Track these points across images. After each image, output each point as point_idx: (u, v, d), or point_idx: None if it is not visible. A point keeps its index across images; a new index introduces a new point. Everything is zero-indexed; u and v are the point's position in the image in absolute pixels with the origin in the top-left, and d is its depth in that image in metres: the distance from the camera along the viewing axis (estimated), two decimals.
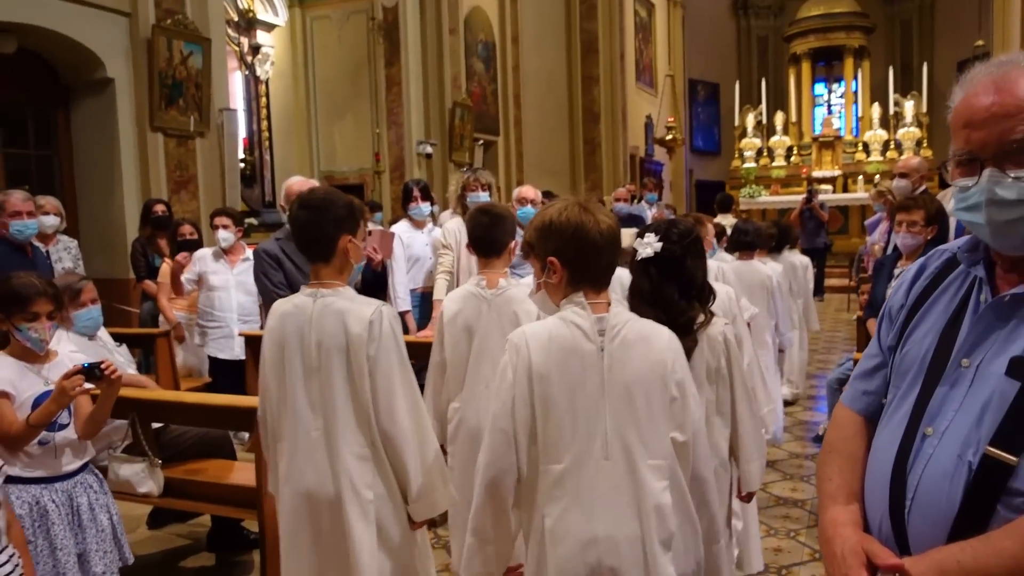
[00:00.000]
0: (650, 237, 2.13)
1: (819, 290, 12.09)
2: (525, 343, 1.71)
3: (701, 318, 2.16)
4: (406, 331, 4.59)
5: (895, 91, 16.50)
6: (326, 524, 2.18)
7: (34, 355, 2.55)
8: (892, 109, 16.36)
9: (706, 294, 2.23)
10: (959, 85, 1.27)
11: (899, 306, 1.36)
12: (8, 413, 2.40)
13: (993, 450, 1.10)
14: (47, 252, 4.89)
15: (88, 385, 2.47)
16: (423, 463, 2.18)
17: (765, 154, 17.16)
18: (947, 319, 1.26)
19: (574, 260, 1.72)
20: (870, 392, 1.38)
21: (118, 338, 3.75)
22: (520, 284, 2.93)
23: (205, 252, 5.15)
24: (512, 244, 2.91)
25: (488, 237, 2.83)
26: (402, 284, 4.82)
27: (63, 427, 2.53)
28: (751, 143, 17.21)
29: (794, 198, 14.55)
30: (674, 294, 2.10)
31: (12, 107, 6.46)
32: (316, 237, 2.17)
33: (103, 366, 2.45)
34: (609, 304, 1.75)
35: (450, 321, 2.80)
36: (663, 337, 1.75)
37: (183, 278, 5.08)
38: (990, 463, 1.10)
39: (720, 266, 4.63)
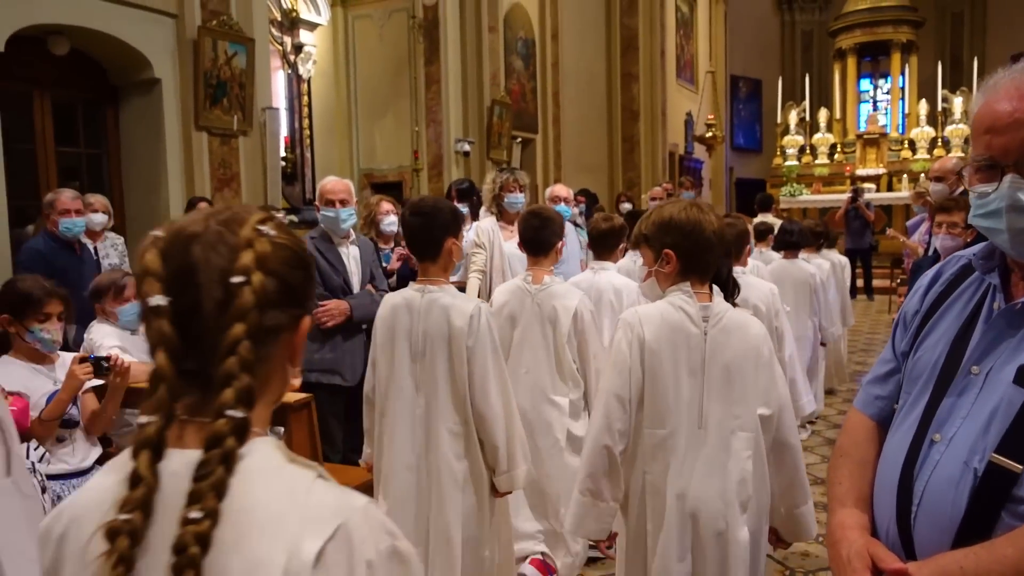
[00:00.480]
0: None
1: (868, 290, 11.88)
2: (638, 321, 1.97)
3: None
4: None
5: (944, 87, 16.08)
6: (423, 490, 2.43)
7: (41, 356, 2.59)
8: (940, 106, 15.96)
9: (730, 288, 2.41)
10: (981, 90, 1.27)
11: (913, 312, 1.37)
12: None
13: (998, 457, 1.11)
14: (95, 249, 5.06)
15: (96, 381, 2.56)
16: (509, 440, 2.44)
17: (808, 152, 16.89)
18: (959, 326, 1.26)
19: (688, 254, 1.97)
20: (882, 397, 1.38)
21: None
22: (562, 282, 3.18)
23: None
24: (559, 244, 3.16)
25: (538, 238, 3.10)
26: None
27: (77, 423, 2.61)
28: (793, 140, 16.94)
29: (836, 197, 14.31)
30: None
31: (64, 106, 6.68)
32: (426, 239, 2.47)
33: (110, 361, 2.54)
34: (711, 295, 2.01)
35: (497, 311, 3.08)
36: (755, 326, 2.03)
37: None
38: (995, 470, 1.11)
39: (756, 264, 4.69)
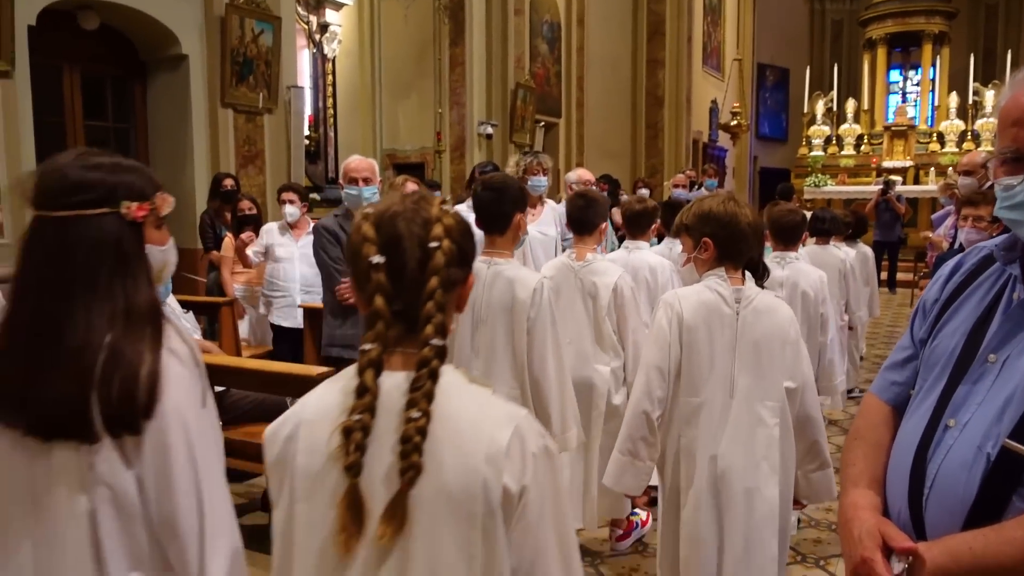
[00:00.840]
0: None
1: (891, 284, 11.77)
2: (678, 301, 2.21)
3: None
4: None
5: (975, 79, 15.81)
6: None
7: None
8: (971, 99, 15.69)
9: (761, 272, 2.59)
10: (1009, 84, 1.27)
11: (933, 300, 1.38)
12: None
13: (1012, 443, 1.12)
14: None
15: None
16: (562, 406, 2.59)
17: (834, 142, 16.70)
18: (978, 315, 1.28)
19: (724, 243, 2.19)
20: (899, 383, 1.40)
21: (185, 306, 3.92)
22: (603, 260, 3.39)
23: (272, 226, 5.34)
24: (603, 225, 3.34)
25: (583, 218, 3.29)
26: None
27: None
28: (820, 130, 16.72)
29: (862, 189, 14.16)
30: None
31: (93, 81, 6.75)
32: (497, 214, 2.62)
33: None
34: (743, 279, 2.22)
35: None
36: (784, 309, 2.25)
37: (250, 251, 5.30)
38: (1008, 455, 1.13)
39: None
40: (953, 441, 1.20)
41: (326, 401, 1.14)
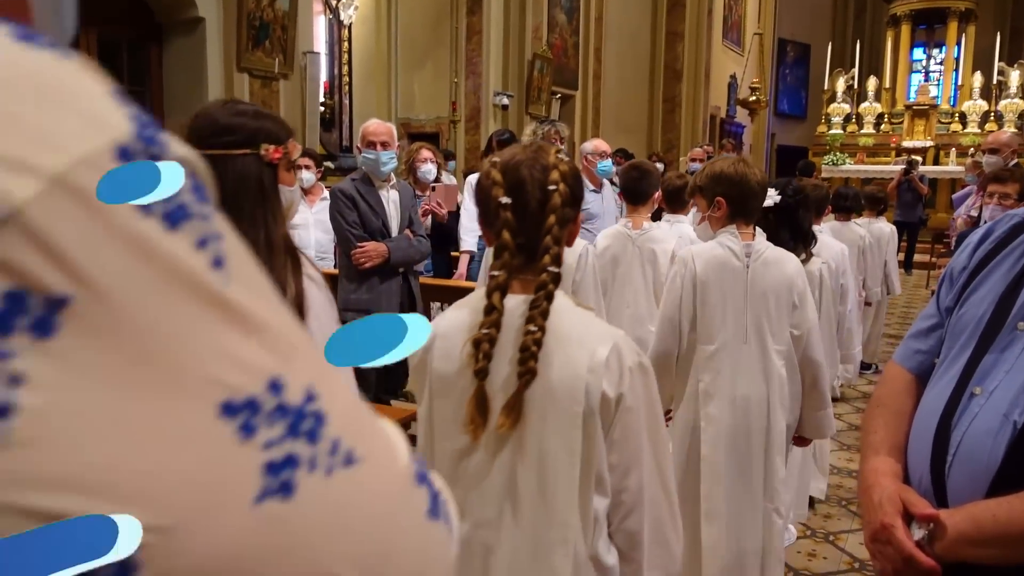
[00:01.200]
0: (771, 191, 2.65)
1: (907, 264, 11.66)
2: (691, 258, 2.38)
3: (803, 256, 2.73)
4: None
5: (1000, 59, 15.51)
6: None
7: None
8: (996, 78, 15.41)
9: (809, 239, 2.78)
10: None
11: (961, 268, 1.35)
12: None
13: None
14: None
15: None
16: None
17: (853, 121, 16.46)
18: (1008, 283, 1.25)
19: (736, 201, 2.33)
20: (923, 351, 1.38)
21: None
22: (659, 227, 3.57)
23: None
24: (656, 195, 3.53)
25: (637, 188, 3.50)
26: (465, 228, 4.93)
27: None
28: (839, 108, 16.47)
29: (880, 168, 13.99)
30: (786, 236, 2.65)
31: (109, 44, 6.72)
32: None
33: None
34: (754, 235, 2.37)
35: (600, 254, 3.43)
36: (792, 261, 2.39)
37: None
38: None
39: None
40: (979, 409, 1.18)
41: (458, 318, 1.37)
